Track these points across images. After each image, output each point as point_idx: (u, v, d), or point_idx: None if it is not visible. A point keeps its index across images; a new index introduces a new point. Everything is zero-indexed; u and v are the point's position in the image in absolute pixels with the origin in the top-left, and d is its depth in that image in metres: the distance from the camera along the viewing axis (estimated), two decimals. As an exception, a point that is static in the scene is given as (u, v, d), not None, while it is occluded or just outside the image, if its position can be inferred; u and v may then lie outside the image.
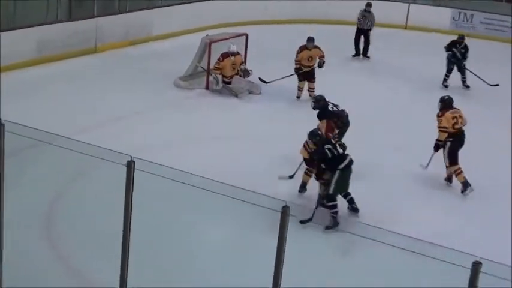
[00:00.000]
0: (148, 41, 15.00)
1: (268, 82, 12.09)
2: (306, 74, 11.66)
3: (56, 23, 13.28)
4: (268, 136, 9.67)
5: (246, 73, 11.78)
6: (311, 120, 8.40)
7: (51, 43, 12.79)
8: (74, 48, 13.18)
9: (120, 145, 7.86)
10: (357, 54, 14.91)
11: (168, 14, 15.61)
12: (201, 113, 10.93)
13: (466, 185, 8.35)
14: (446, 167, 8.51)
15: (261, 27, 16.61)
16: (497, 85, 12.78)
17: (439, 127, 8.45)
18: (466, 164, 8.41)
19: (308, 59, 11.64)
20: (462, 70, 12.91)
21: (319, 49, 11.64)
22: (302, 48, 11.59)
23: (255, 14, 17.36)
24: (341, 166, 7.26)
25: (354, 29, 15.00)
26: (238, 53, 11.81)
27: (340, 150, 7.35)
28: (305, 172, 7.88)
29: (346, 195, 7.54)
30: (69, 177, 7.66)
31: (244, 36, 12.58)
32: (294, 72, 11.74)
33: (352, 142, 7.86)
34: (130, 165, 4.68)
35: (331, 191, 7.21)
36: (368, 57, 14.84)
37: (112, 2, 15.51)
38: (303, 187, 7.94)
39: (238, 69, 11.78)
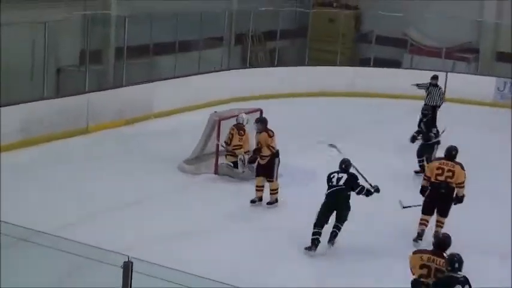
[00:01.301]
0: (148, 119, 15.30)
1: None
2: (260, 168, 10.97)
3: (42, 99, 13.55)
4: (280, 224, 9.93)
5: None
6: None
7: (37, 123, 13.02)
8: (63, 128, 13.42)
9: (115, 241, 8.14)
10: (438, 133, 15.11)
11: (170, 88, 15.96)
12: (209, 201, 10.98)
13: (417, 237, 9.68)
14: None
15: (278, 101, 17.03)
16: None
17: (424, 174, 9.97)
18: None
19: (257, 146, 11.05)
20: None
21: (271, 135, 10.82)
22: (256, 133, 11.27)
23: (271, 85, 17.81)
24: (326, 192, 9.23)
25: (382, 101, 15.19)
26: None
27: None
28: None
29: (336, 220, 9.26)
30: (56, 279, 7.56)
31: (258, 112, 12.68)
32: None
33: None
34: (127, 267, 4.72)
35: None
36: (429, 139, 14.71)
37: (105, 75, 15.94)
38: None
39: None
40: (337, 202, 9.30)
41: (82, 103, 13.92)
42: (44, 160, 12.22)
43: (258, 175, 10.90)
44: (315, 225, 9.23)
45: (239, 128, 11.92)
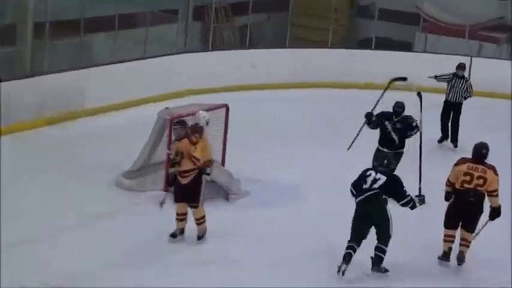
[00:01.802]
0: (78, 117, 15.23)
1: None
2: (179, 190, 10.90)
3: None
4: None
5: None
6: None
7: None
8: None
9: (32, 277, 8.46)
10: (444, 137, 15.52)
11: (107, 77, 15.90)
12: (154, 228, 10.84)
13: (443, 256, 10.20)
14: None
15: (250, 94, 17.39)
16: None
17: (447, 179, 10.23)
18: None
19: (176, 157, 10.78)
20: None
21: (194, 142, 10.72)
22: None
23: (240, 74, 17.90)
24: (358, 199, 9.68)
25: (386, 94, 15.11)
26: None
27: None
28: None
29: (377, 238, 9.70)
30: None
31: (224, 109, 12.81)
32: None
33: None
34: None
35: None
36: (456, 145, 15.38)
37: (21, 59, 15.73)
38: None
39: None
40: (371, 212, 9.65)
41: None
42: None
43: (177, 200, 10.65)
44: (350, 240, 9.70)
45: (195, 131, 11.48)
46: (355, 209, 9.71)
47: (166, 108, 12.91)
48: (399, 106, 12.62)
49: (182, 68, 17.27)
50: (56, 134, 14.38)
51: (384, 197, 9.62)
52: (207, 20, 19.63)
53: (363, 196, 9.64)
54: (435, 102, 14.93)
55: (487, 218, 10.18)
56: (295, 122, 16.03)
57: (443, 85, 15.51)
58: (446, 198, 10.24)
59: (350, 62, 19.00)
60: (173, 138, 10.90)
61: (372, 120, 12.64)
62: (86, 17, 16.41)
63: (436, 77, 15.53)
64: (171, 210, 10.76)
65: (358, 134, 12.97)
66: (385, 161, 10.05)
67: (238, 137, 13.04)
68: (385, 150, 12.49)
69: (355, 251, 9.65)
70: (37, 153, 13.42)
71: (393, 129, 12.59)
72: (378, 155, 12.13)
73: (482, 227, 10.24)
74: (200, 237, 10.70)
